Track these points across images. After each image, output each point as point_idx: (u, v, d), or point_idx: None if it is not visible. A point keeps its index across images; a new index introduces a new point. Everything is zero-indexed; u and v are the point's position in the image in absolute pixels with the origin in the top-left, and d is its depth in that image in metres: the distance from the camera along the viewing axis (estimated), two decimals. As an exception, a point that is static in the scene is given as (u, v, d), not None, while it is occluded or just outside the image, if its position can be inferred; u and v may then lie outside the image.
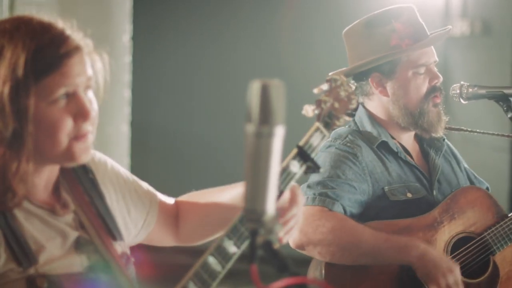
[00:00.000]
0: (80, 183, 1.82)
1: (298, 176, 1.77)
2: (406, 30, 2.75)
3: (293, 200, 1.81)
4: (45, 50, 1.65)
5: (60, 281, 1.67)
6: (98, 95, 1.75)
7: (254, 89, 1.35)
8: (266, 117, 1.35)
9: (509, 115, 2.79)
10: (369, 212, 2.66)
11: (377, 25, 2.76)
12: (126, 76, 5.83)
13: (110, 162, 1.94)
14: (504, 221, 2.75)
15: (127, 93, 5.85)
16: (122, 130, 5.80)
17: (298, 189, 1.82)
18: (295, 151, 1.77)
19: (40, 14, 1.72)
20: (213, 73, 7.66)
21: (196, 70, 7.70)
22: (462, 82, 2.87)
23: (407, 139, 2.86)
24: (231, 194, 1.95)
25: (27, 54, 1.63)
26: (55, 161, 1.73)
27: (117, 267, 1.77)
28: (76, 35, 1.70)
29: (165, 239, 2.05)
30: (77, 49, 1.68)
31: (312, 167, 1.78)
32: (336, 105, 1.83)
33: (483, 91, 2.83)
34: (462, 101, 2.86)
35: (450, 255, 2.68)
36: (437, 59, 2.81)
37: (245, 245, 1.66)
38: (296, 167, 1.76)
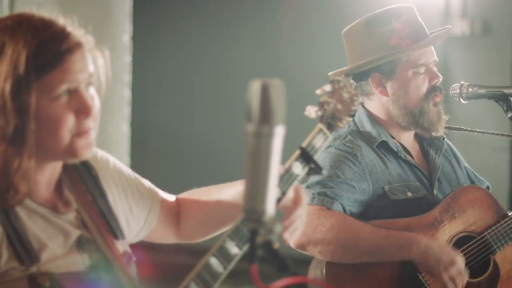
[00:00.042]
0: (83, 181, 1.82)
1: (300, 178, 1.77)
2: (406, 30, 2.75)
3: (297, 201, 1.81)
4: (47, 47, 1.65)
5: (62, 279, 1.67)
6: (99, 92, 1.75)
7: (254, 89, 1.35)
8: (266, 117, 1.35)
9: (509, 115, 2.79)
10: (369, 211, 2.66)
11: (377, 25, 2.77)
12: (126, 76, 5.84)
13: (112, 160, 1.94)
14: (504, 220, 2.75)
15: (127, 93, 5.85)
16: (122, 130, 5.81)
17: (301, 190, 1.82)
18: (297, 152, 1.77)
19: (41, 11, 1.72)
20: (213, 73, 7.66)
21: (196, 70, 7.70)
22: (462, 82, 2.87)
23: (407, 138, 2.86)
24: (233, 191, 1.95)
25: (28, 51, 1.63)
26: (57, 158, 1.73)
27: (119, 266, 1.77)
28: (77, 32, 1.70)
29: (166, 236, 2.05)
30: (78, 45, 1.68)
31: (314, 168, 1.77)
32: (339, 106, 1.83)
33: (483, 91, 2.83)
34: (462, 100, 2.87)
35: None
36: (436, 58, 2.81)
37: (247, 246, 1.66)
38: (299, 169, 1.76)
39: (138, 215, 1.95)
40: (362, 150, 2.72)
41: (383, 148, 2.77)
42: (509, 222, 2.75)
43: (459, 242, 2.71)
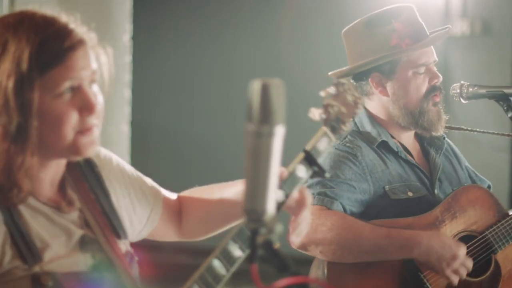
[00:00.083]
0: (86, 180, 1.82)
1: (304, 181, 1.77)
2: (406, 30, 2.75)
3: (302, 203, 1.81)
4: (49, 44, 1.64)
5: (64, 279, 1.67)
6: (103, 89, 1.74)
7: (254, 89, 1.35)
8: (266, 117, 1.35)
9: (509, 115, 2.79)
10: (370, 211, 2.66)
11: (377, 25, 2.76)
12: (126, 76, 5.83)
13: (115, 158, 1.94)
14: (505, 220, 2.76)
15: (127, 93, 5.85)
16: (122, 130, 5.80)
17: (306, 191, 1.82)
18: (301, 155, 1.76)
19: (43, 9, 1.71)
20: (213, 73, 7.66)
21: (196, 70, 7.71)
22: (462, 82, 2.87)
23: (408, 138, 2.86)
24: (235, 190, 1.95)
25: (31, 48, 1.63)
26: (60, 155, 1.72)
27: (121, 266, 1.77)
28: (80, 29, 1.69)
29: (168, 235, 2.05)
30: (81, 42, 1.67)
31: (318, 171, 1.77)
32: (343, 109, 1.82)
33: (483, 91, 2.83)
34: (462, 100, 2.87)
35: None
36: (436, 58, 2.81)
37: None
38: (303, 172, 1.75)
39: (140, 214, 1.95)
40: (362, 150, 2.72)
41: (384, 148, 2.77)
42: (510, 221, 2.75)
43: (461, 242, 2.71)
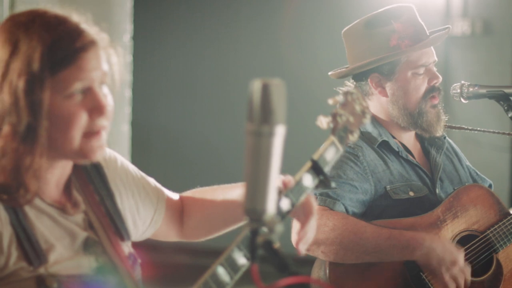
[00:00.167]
0: (91, 181, 1.81)
1: (310, 190, 1.76)
2: (406, 31, 2.74)
3: (309, 212, 1.81)
4: (61, 44, 1.63)
5: (69, 282, 1.67)
6: (113, 90, 1.73)
7: (255, 89, 1.35)
8: (266, 117, 1.35)
9: (509, 115, 2.79)
10: (371, 211, 2.66)
11: (376, 25, 2.76)
12: (127, 76, 5.83)
13: (120, 159, 1.93)
14: (507, 219, 2.76)
15: (127, 93, 5.85)
16: (123, 130, 5.80)
17: (312, 200, 1.82)
18: (309, 164, 1.76)
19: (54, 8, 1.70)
20: (214, 73, 7.66)
21: (197, 70, 7.71)
22: (462, 82, 2.87)
23: (408, 138, 2.86)
24: (237, 192, 1.95)
25: (42, 47, 1.61)
26: (68, 157, 1.71)
27: (124, 269, 1.77)
28: (91, 29, 1.68)
29: (170, 235, 2.05)
30: (92, 43, 1.66)
31: (324, 181, 1.76)
32: (351, 119, 1.82)
33: (483, 91, 2.83)
34: (462, 100, 2.87)
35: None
36: (436, 58, 2.81)
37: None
38: (309, 181, 1.75)
39: (144, 215, 1.94)
40: (363, 150, 2.72)
41: (385, 148, 2.77)
42: (511, 220, 2.75)
43: (462, 241, 2.71)
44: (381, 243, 2.56)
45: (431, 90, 2.77)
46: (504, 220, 2.76)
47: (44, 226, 1.69)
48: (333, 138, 1.79)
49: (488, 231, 2.74)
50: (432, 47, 2.80)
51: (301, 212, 1.81)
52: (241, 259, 1.61)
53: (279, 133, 1.36)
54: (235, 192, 1.96)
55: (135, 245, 1.93)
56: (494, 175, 3.47)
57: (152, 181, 2.00)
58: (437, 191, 2.79)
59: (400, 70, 2.75)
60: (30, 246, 1.65)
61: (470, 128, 3.01)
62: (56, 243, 1.69)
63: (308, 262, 2.72)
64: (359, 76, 2.81)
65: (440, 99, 2.80)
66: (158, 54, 7.71)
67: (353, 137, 1.83)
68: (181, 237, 2.07)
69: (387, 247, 2.56)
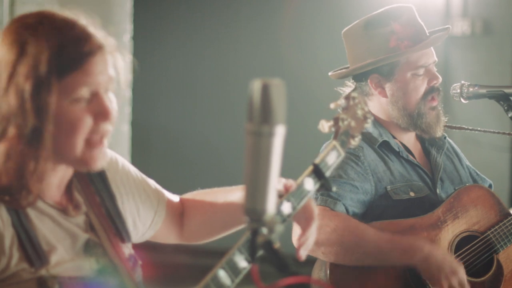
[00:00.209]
0: (92, 182, 1.81)
1: (311, 194, 1.76)
2: (405, 31, 2.74)
3: (310, 217, 1.81)
4: (69, 48, 1.62)
5: (70, 283, 1.66)
6: (119, 94, 1.73)
7: (255, 89, 1.35)
8: (266, 117, 1.35)
9: (509, 115, 2.79)
10: (372, 212, 2.66)
11: (376, 26, 2.76)
12: (128, 77, 5.82)
13: (121, 160, 1.93)
14: (507, 219, 2.75)
15: (127, 93, 5.85)
16: (123, 130, 5.80)
17: (313, 205, 1.82)
18: (310, 168, 1.76)
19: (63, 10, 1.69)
20: (214, 73, 7.66)
21: (197, 70, 7.71)
22: (462, 82, 2.87)
23: (409, 138, 2.86)
24: (238, 194, 1.94)
25: (50, 51, 1.61)
26: (70, 164, 1.70)
27: (125, 271, 1.77)
28: (99, 33, 1.68)
29: (170, 237, 2.04)
30: (100, 48, 1.65)
31: (325, 185, 1.76)
32: (353, 123, 1.82)
33: (483, 91, 2.83)
34: (462, 100, 2.87)
35: (454, 254, 2.68)
36: (436, 59, 2.80)
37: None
38: (310, 185, 1.75)
39: (144, 217, 1.94)
40: (364, 150, 2.72)
41: (385, 148, 2.77)
42: (511, 221, 2.75)
43: (462, 242, 2.71)
44: (382, 246, 2.56)
45: (431, 91, 2.77)
46: (505, 221, 2.75)
47: (45, 228, 1.69)
48: (335, 142, 1.79)
49: (489, 232, 2.73)
50: (432, 47, 2.79)
51: (302, 217, 1.81)
52: (242, 262, 1.61)
53: (279, 133, 1.36)
54: (235, 194, 1.96)
55: (135, 245, 1.93)
56: (494, 175, 3.47)
57: (152, 183, 2.00)
58: (437, 191, 2.78)
59: (400, 71, 2.75)
60: (31, 248, 1.64)
61: (470, 128, 3.01)
62: (58, 245, 1.69)
63: (308, 262, 2.72)
64: (359, 77, 2.81)
65: (440, 100, 2.80)
66: (158, 54, 7.70)
67: (355, 142, 1.83)
68: (181, 240, 2.07)
69: (388, 251, 2.56)
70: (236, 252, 1.61)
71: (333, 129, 1.81)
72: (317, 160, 1.76)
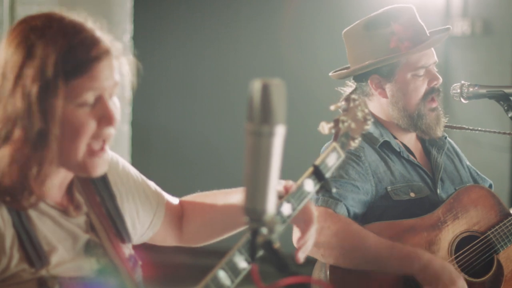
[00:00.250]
0: (93, 183, 1.81)
1: (311, 196, 1.76)
2: (406, 32, 2.74)
3: (309, 220, 1.81)
4: (76, 52, 1.62)
5: (70, 283, 1.67)
6: (124, 98, 1.73)
7: (255, 89, 1.35)
8: (266, 117, 1.35)
9: (509, 115, 2.79)
10: (372, 212, 2.66)
11: (376, 27, 2.76)
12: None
13: (122, 161, 1.93)
14: (507, 220, 2.75)
15: (128, 93, 5.85)
16: (123, 130, 5.80)
17: (313, 208, 1.82)
18: (310, 170, 1.76)
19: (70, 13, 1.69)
20: (214, 73, 7.66)
21: (197, 70, 7.71)
22: (462, 82, 2.87)
23: (409, 138, 2.86)
24: (238, 196, 1.94)
25: (57, 54, 1.60)
26: (70, 169, 1.70)
27: (125, 271, 1.77)
28: (106, 38, 1.68)
29: (168, 239, 2.05)
30: (107, 53, 1.66)
31: (325, 186, 1.77)
32: (353, 125, 1.82)
33: (483, 91, 2.83)
34: (462, 100, 2.87)
35: (454, 255, 2.67)
36: (436, 59, 2.80)
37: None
38: (310, 186, 1.76)
39: (143, 218, 1.94)
40: (365, 151, 2.72)
41: (386, 148, 2.77)
42: (512, 221, 2.75)
43: (463, 242, 2.70)
44: (382, 253, 2.55)
45: (431, 92, 2.76)
46: (505, 221, 2.75)
47: (46, 228, 1.69)
48: (335, 144, 1.79)
49: (489, 232, 2.73)
50: (432, 48, 2.79)
51: (301, 220, 1.81)
52: (242, 263, 1.61)
53: (279, 133, 1.36)
54: (235, 197, 1.96)
55: (135, 245, 1.93)
56: (494, 175, 3.47)
57: (152, 184, 2.00)
58: (438, 191, 2.78)
59: (400, 72, 2.75)
60: (32, 248, 1.64)
61: (470, 128, 3.01)
62: (58, 245, 1.69)
63: (308, 262, 2.71)
64: (359, 77, 2.81)
65: (440, 100, 2.80)
66: (158, 54, 7.70)
67: (355, 143, 1.83)
68: (180, 242, 2.07)
69: (387, 258, 2.55)
70: (236, 253, 1.61)
71: (333, 131, 1.81)
72: (317, 162, 1.76)
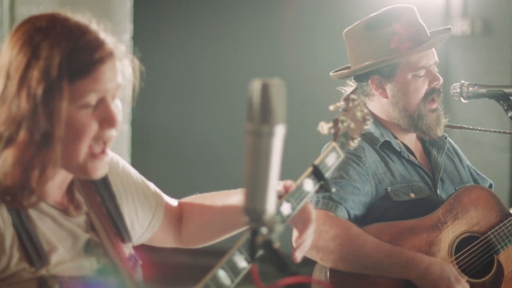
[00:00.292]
0: (93, 182, 1.81)
1: (311, 195, 1.77)
2: (406, 32, 2.74)
3: (307, 220, 1.81)
4: (80, 53, 1.62)
5: (70, 283, 1.67)
6: (126, 100, 1.74)
7: (255, 89, 1.35)
8: (266, 116, 1.35)
9: (509, 114, 2.79)
10: (372, 213, 2.65)
11: (377, 27, 2.76)
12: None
13: (122, 162, 1.94)
14: (507, 220, 2.75)
15: (128, 94, 5.85)
16: (123, 130, 5.80)
17: (311, 208, 1.82)
18: (310, 169, 1.76)
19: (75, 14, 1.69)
20: (214, 73, 7.66)
21: (197, 70, 7.71)
22: (462, 81, 2.87)
23: (410, 138, 2.86)
24: (237, 198, 1.94)
25: (62, 55, 1.60)
26: (71, 171, 1.70)
27: (125, 271, 1.77)
28: (110, 40, 1.68)
29: (167, 241, 2.05)
30: (110, 55, 1.66)
31: (324, 186, 1.77)
32: (352, 125, 1.82)
33: (483, 90, 2.83)
34: (462, 100, 2.87)
35: (455, 256, 2.67)
36: (437, 60, 2.80)
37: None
38: (310, 186, 1.76)
39: (142, 219, 1.94)
40: (365, 151, 2.72)
41: (386, 148, 2.77)
42: (512, 221, 2.75)
43: (463, 243, 2.70)
44: (380, 259, 2.55)
45: (431, 92, 2.76)
46: (505, 221, 2.75)
47: (46, 228, 1.69)
48: (334, 144, 1.79)
49: (489, 232, 2.73)
50: (433, 48, 2.79)
51: (299, 220, 1.81)
52: (242, 262, 1.61)
53: (279, 133, 1.36)
54: (234, 198, 1.96)
55: (135, 245, 1.93)
56: (494, 175, 3.47)
57: (152, 186, 2.00)
58: (438, 191, 2.78)
59: (400, 72, 2.75)
60: (32, 247, 1.64)
61: (470, 127, 3.01)
62: (58, 245, 1.69)
63: (308, 262, 2.72)
64: (360, 77, 2.81)
65: (440, 100, 2.80)
66: (158, 54, 7.70)
67: (354, 143, 1.83)
68: (179, 243, 2.07)
69: (386, 264, 2.55)
70: (236, 252, 1.61)
71: (332, 131, 1.81)
72: (316, 161, 1.77)
